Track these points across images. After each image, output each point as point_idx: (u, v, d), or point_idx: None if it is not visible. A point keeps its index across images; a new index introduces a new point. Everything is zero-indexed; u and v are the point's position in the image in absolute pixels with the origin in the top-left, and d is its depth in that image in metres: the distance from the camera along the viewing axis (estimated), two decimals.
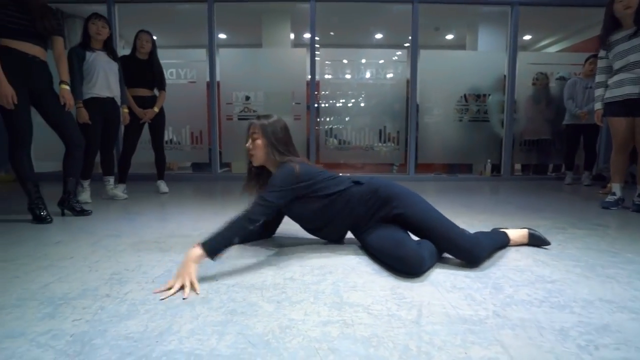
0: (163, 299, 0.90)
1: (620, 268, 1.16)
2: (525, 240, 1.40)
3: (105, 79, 2.45)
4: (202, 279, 1.03)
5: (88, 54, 2.39)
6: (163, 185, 3.00)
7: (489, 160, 3.98)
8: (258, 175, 1.41)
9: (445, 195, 2.97)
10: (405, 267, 1.08)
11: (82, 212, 1.99)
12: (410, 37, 3.85)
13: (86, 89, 2.40)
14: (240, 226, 1.10)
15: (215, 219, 1.93)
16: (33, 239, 1.50)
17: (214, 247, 1.04)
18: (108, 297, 0.92)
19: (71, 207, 1.97)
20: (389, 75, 4.02)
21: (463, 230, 1.20)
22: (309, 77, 3.91)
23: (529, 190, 3.20)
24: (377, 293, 0.96)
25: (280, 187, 1.20)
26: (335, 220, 1.32)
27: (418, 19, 3.81)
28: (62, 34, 1.96)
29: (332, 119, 4.02)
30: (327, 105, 4.00)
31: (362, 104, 4.06)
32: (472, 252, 1.15)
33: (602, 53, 2.22)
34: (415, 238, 1.20)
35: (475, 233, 1.31)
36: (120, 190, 2.71)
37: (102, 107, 2.45)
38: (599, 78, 2.26)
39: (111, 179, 2.67)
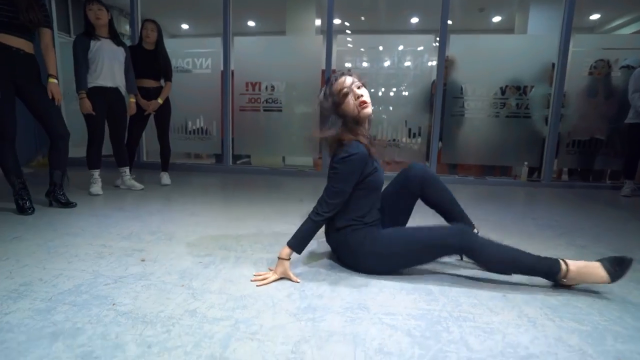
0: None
1: None
2: (599, 275, 1.00)
3: (109, 69, 2.43)
4: (97, 302, 0.92)
5: (92, 42, 2.36)
6: (165, 177, 3.01)
7: (525, 163, 3.43)
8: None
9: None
10: None
11: (67, 204, 2.02)
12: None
13: (90, 78, 2.39)
14: (310, 219, 1.13)
15: (186, 219, 1.84)
16: None
17: (297, 243, 1.12)
18: None
19: (56, 198, 2.01)
20: (415, 64, 3.62)
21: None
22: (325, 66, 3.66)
23: (569, 202, 2.68)
24: (274, 348, 0.76)
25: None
26: None
27: None
28: (49, 26, 1.95)
29: None
30: None
31: (382, 94, 3.72)
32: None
33: None
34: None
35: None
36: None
37: (105, 97, 2.44)
38: None
39: (126, 169, 2.71)
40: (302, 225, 1.13)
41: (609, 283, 1.02)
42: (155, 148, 3.11)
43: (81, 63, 2.34)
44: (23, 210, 1.84)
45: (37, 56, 1.92)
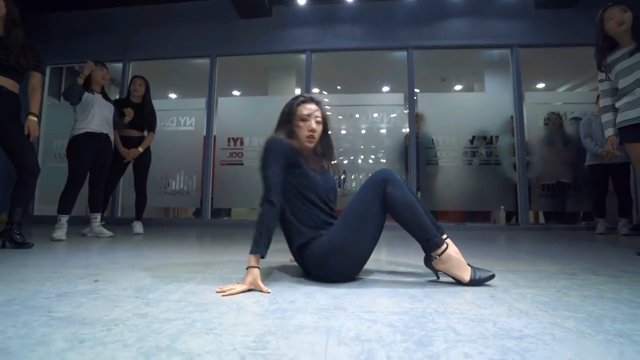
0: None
1: None
2: (463, 273, 1.08)
3: (100, 117, 2.58)
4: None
5: (86, 93, 2.55)
6: (138, 226, 2.87)
7: (502, 207, 3.52)
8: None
9: None
10: None
11: (23, 244, 1.85)
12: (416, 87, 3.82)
13: (83, 124, 2.51)
14: (260, 214, 1.10)
15: (154, 254, 1.70)
16: None
17: (257, 247, 1.05)
18: None
19: (11, 238, 1.84)
20: (388, 120, 3.91)
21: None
22: None
23: (548, 240, 2.69)
24: (233, 339, 0.64)
25: None
26: None
27: (413, 65, 3.80)
28: (40, 70, 2.05)
29: None
30: None
31: (361, 151, 3.91)
32: None
33: (601, 76, 1.95)
34: None
35: None
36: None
37: (96, 142, 2.53)
38: (604, 102, 1.96)
39: (98, 216, 2.62)
40: (255, 228, 1.09)
41: (464, 283, 1.08)
42: (131, 204, 3.02)
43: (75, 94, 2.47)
44: None
45: (22, 95, 1.97)
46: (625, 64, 1.80)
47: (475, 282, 1.08)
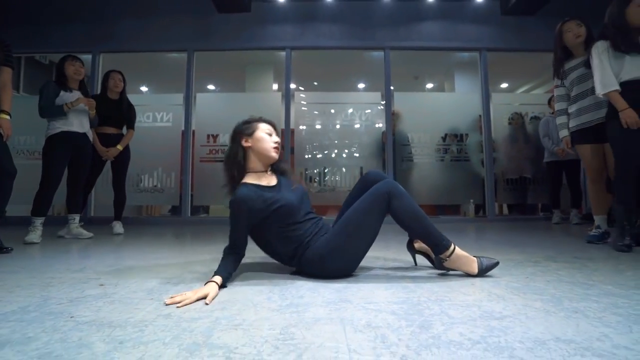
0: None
1: (593, 301, 0.93)
2: (471, 267, 1.19)
3: (76, 117, 2.48)
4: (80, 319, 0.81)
5: (62, 91, 2.45)
6: (118, 226, 2.80)
7: (471, 201, 3.80)
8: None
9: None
10: None
11: (1, 250, 1.78)
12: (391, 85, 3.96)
13: (59, 124, 2.42)
14: (225, 255, 1.16)
15: (145, 255, 1.71)
16: None
17: (219, 270, 1.08)
18: None
19: None
20: (366, 118, 4.04)
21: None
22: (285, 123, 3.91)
23: (512, 230, 2.97)
24: (261, 333, 0.72)
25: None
26: None
27: (390, 65, 3.94)
28: (10, 65, 1.95)
29: (310, 164, 3.94)
30: (309, 152, 3.93)
31: (339, 147, 4.02)
32: None
33: (557, 82, 2.18)
34: None
35: None
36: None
37: (72, 142, 2.44)
38: (559, 106, 2.19)
39: (76, 217, 2.54)
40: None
41: (473, 275, 1.19)
42: (104, 202, 2.94)
43: (47, 101, 2.38)
44: None
45: None
46: (580, 72, 2.03)
47: (482, 272, 1.18)
